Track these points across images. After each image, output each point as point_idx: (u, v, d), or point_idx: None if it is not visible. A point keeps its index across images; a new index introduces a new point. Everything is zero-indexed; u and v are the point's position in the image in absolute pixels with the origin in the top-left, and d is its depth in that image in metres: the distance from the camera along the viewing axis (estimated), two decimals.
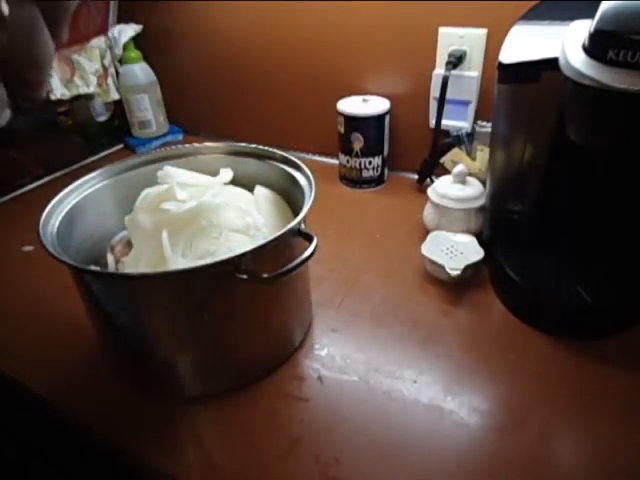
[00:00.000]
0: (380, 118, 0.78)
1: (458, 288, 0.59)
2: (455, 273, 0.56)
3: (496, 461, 0.41)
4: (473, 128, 0.73)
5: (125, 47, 0.93)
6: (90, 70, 0.90)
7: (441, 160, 0.75)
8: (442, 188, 0.65)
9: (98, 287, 0.43)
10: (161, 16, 0.96)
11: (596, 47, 0.39)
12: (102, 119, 0.99)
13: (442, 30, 0.72)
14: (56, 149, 0.94)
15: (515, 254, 0.57)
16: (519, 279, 0.54)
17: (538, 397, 0.46)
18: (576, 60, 0.40)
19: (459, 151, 0.72)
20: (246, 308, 0.44)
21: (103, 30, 0.92)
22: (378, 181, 0.84)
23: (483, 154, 0.69)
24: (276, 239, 0.41)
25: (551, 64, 0.43)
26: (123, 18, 0.95)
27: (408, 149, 0.84)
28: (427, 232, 0.63)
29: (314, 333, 0.54)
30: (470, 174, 0.66)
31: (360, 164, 0.81)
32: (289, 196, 0.54)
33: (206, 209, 0.46)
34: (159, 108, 1.01)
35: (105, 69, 0.93)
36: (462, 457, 0.41)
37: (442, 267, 0.57)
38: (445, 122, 0.75)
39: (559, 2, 0.50)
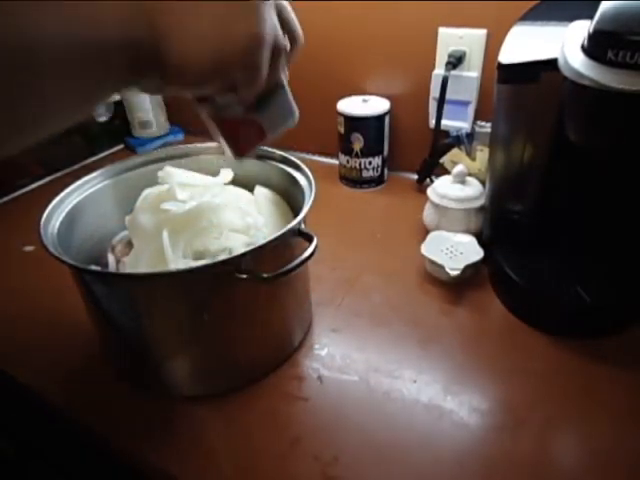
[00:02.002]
0: (380, 118, 0.78)
1: (458, 288, 0.59)
2: (455, 273, 0.56)
3: (496, 461, 0.41)
4: (473, 128, 0.73)
5: None
6: None
7: (441, 160, 0.75)
8: (442, 188, 0.65)
9: (98, 287, 0.43)
10: None
11: (595, 47, 0.39)
12: (103, 119, 1.00)
13: (442, 30, 0.72)
14: (56, 149, 0.94)
15: (515, 254, 0.57)
16: (519, 279, 0.54)
17: (538, 397, 0.46)
18: (575, 60, 0.40)
19: (459, 151, 0.73)
20: (246, 308, 0.44)
21: None
22: (378, 181, 0.84)
23: (483, 154, 0.69)
24: (276, 239, 0.41)
25: (550, 64, 0.43)
26: None
27: (408, 149, 0.84)
28: (427, 232, 0.64)
29: (314, 333, 0.54)
30: (470, 174, 0.66)
31: (360, 164, 0.81)
32: (289, 196, 0.54)
33: (206, 209, 0.47)
34: (159, 108, 1.01)
35: None
36: (462, 457, 0.41)
37: (442, 267, 0.57)
38: (445, 122, 0.75)
39: (559, 2, 0.50)
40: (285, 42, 0.30)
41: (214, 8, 0.24)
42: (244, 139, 0.35)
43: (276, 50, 0.29)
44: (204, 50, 0.25)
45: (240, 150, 0.36)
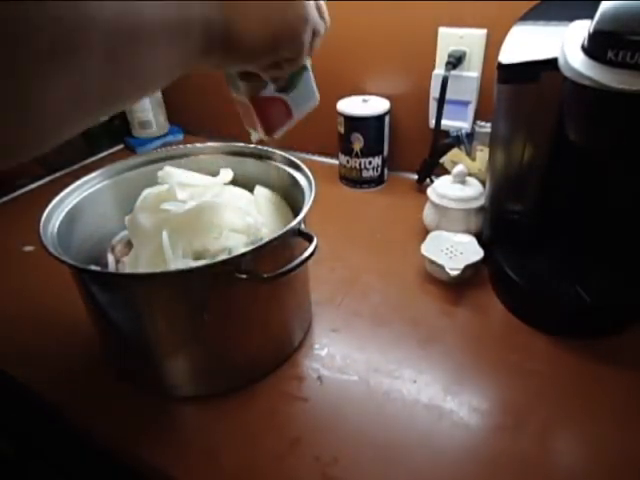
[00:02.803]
0: (380, 118, 0.78)
1: (458, 288, 0.59)
2: (455, 273, 0.56)
3: (496, 461, 0.41)
4: (473, 128, 0.73)
5: None
6: None
7: (441, 160, 0.75)
8: (442, 188, 0.65)
9: (98, 287, 0.43)
10: None
11: (595, 47, 0.39)
12: (102, 119, 0.99)
13: (442, 30, 0.72)
14: (56, 149, 0.93)
15: (515, 254, 0.57)
16: (519, 279, 0.54)
17: (538, 397, 0.46)
18: (575, 60, 0.40)
19: (459, 151, 0.72)
20: (246, 308, 0.44)
21: None
22: (378, 181, 0.84)
23: (483, 154, 0.69)
24: (276, 239, 0.41)
25: (550, 64, 0.43)
26: None
27: (408, 149, 0.84)
28: (427, 232, 0.64)
29: (314, 333, 0.54)
30: (470, 174, 0.66)
31: (360, 164, 0.81)
32: (289, 196, 0.54)
33: (206, 209, 0.47)
34: (159, 108, 1.01)
35: None
36: (462, 457, 0.41)
37: (442, 267, 0.57)
38: (445, 122, 0.75)
39: (559, 2, 0.50)
40: (321, 24, 0.34)
41: None
42: (274, 117, 0.39)
43: (315, 31, 0.33)
44: (265, 31, 0.29)
45: (271, 128, 0.40)
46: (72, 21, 0.18)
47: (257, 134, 0.41)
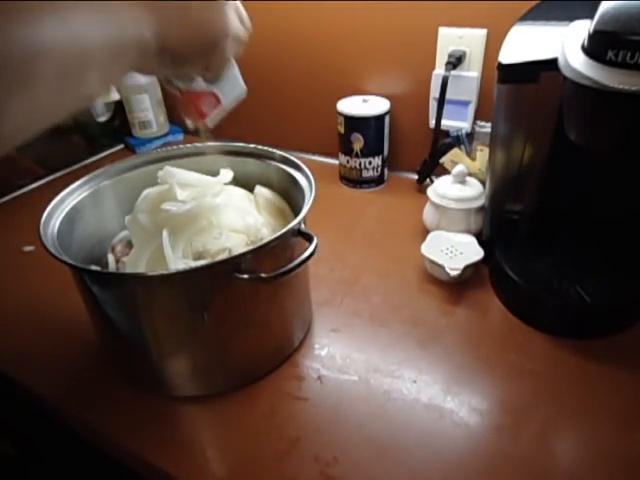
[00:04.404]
0: (380, 118, 0.78)
1: (458, 288, 0.59)
2: (455, 273, 0.56)
3: (496, 461, 0.41)
4: (473, 128, 0.73)
5: None
6: None
7: (441, 160, 0.75)
8: (442, 188, 0.65)
9: (98, 287, 0.43)
10: None
11: (595, 48, 0.39)
12: (102, 119, 0.99)
13: (442, 30, 0.72)
14: (56, 149, 0.94)
15: (515, 254, 0.57)
16: (519, 279, 0.54)
17: (538, 397, 0.46)
18: (575, 60, 0.40)
19: (459, 151, 0.72)
20: (246, 308, 0.44)
21: None
22: (378, 181, 0.84)
23: (483, 154, 0.69)
24: (276, 239, 0.41)
25: (550, 64, 0.43)
26: None
27: (408, 149, 0.84)
28: (427, 232, 0.64)
29: (314, 333, 0.54)
30: (470, 174, 0.66)
31: (360, 164, 0.81)
32: (289, 196, 0.54)
33: (206, 209, 0.47)
34: (159, 108, 1.01)
35: None
36: (462, 457, 0.41)
37: (442, 267, 0.57)
38: (445, 122, 0.75)
39: (559, 2, 0.50)
40: (242, 32, 0.39)
41: (198, 13, 0.34)
42: (205, 107, 0.45)
43: (236, 39, 0.38)
44: (191, 45, 0.34)
45: (203, 116, 0.45)
46: (27, 54, 0.23)
47: (192, 122, 0.47)
